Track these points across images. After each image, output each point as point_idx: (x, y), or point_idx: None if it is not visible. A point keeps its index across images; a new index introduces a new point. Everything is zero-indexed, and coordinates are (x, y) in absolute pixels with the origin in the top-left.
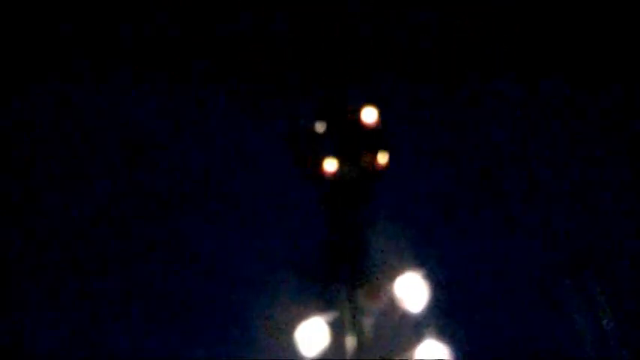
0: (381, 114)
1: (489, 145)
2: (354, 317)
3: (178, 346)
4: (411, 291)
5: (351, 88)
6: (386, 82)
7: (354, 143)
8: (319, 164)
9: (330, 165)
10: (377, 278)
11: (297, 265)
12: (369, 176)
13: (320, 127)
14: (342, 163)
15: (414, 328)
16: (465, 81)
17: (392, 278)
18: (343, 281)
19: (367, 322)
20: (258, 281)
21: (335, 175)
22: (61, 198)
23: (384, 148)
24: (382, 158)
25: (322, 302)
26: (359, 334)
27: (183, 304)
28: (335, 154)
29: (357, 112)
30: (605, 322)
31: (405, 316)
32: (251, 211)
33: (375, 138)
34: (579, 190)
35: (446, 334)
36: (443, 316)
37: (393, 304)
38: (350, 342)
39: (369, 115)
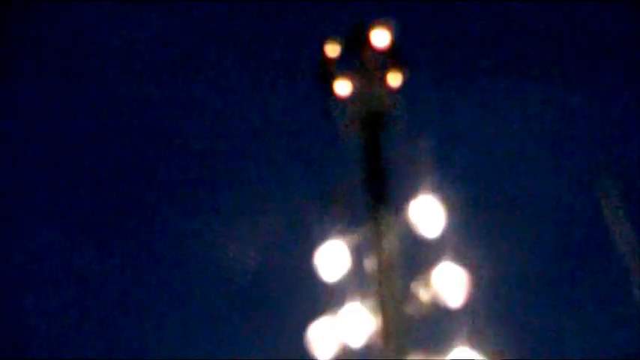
0: (395, 31)
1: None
2: (376, 240)
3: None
4: (429, 214)
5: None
6: None
7: (368, 65)
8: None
9: (343, 87)
10: (397, 202)
11: (320, 187)
12: (386, 97)
13: (333, 50)
14: (356, 85)
15: (432, 252)
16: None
17: (412, 200)
18: (365, 203)
19: (388, 245)
20: (281, 202)
21: (350, 97)
22: None
23: (399, 68)
24: (397, 78)
25: (343, 225)
26: (380, 256)
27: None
28: (350, 76)
29: (370, 31)
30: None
31: (424, 240)
32: (273, 135)
33: (389, 58)
34: None
35: (465, 258)
36: (462, 240)
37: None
38: (371, 264)
39: (382, 36)
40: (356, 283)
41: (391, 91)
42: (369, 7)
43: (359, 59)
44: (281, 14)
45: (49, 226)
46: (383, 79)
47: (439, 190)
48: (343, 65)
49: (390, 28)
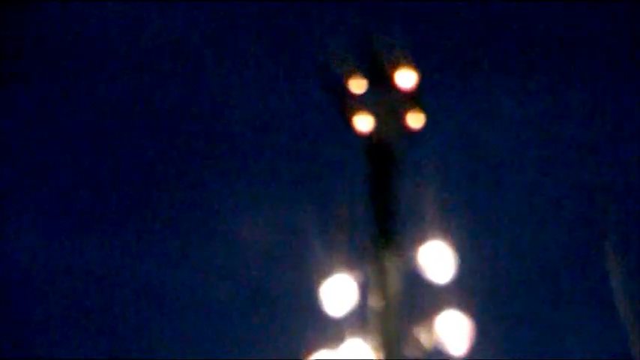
0: (419, 73)
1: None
2: (380, 278)
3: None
4: (438, 260)
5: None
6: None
7: (391, 103)
8: (354, 122)
9: (364, 122)
10: (404, 242)
11: (328, 216)
12: (405, 137)
13: (358, 86)
14: (378, 123)
15: (437, 297)
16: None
17: (420, 244)
18: (373, 240)
19: (393, 285)
20: (287, 232)
21: (370, 134)
22: None
23: (421, 110)
24: (418, 120)
25: (350, 259)
26: (384, 295)
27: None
28: (371, 113)
29: (395, 71)
30: None
31: (430, 284)
32: (287, 162)
33: (412, 99)
34: None
35: (470, 307)
36: (468, 289)
37: (419, 271)
38: (374, 302)
39: (408, 77)
40: (359, 319)
41: (410, 132)
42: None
43: (381, 97)
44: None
45: (49, 224)
46: (403, 119)
47: (450, 235)
48: (364, 100)
49: (415, 69)
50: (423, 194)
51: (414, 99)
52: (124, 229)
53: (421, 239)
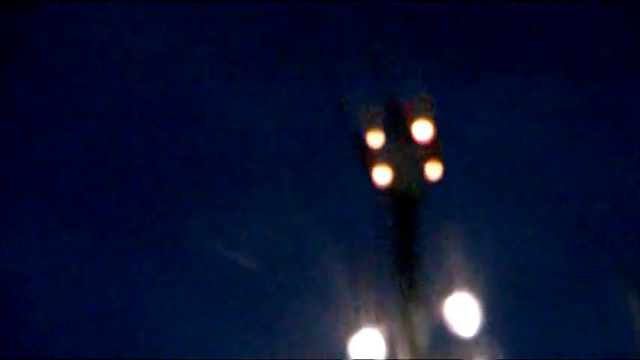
0: (436, 125)
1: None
2: (407, 331)
3: None
4: (463, 312)
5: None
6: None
7: (408, 155)
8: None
9: (382, 175)
10: (430, 295)
11: (354, 270)
12: (423, 189)
13: (376, 139)
14: (396, 175)
15: (465, 351)
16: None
17: (444, 296)
18: (399, 293)
19: (420, 338)
20: (313, 285)
21: (389, 186)
22: None
23: (438, 161)
24: (436, 171)
25: (378, 313)
26: (412, 349)
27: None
28: (389, 166)
29: (413, 123)
30: None
31: (457, 337)
32: (312, 214)
33: (429, 151)
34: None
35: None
36: (495, 340)
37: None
38: (403, 356)
39: (425, 129)
40: None
41: (429, 183)
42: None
43: (398, 148)
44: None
45: (49, 228)
46: (422, 170)
47: (475, 287)
48: (382, 153)
49: (432, 121)
50: (447, 245)
51: (432, 150)
52: (122, 231)
53: (446, 291)
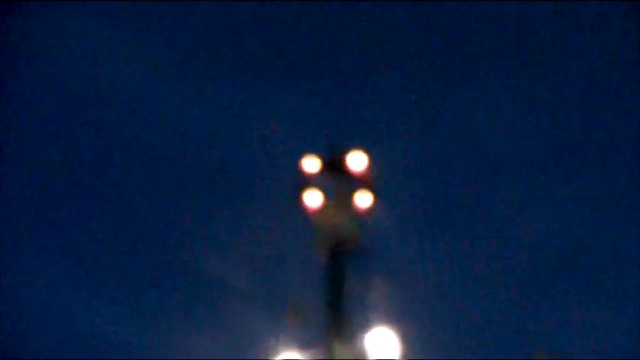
0: (371, 157)
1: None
2: None
3: None
4: (384, 346)
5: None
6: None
7: (342, 185)
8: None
9: (313, 199)
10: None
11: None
12: (356, 219)
13: (311, 165)
14: (328, 204)
15: None
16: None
17: (367, 330)
18: (323, 325)
19: None
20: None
21: (320, 213)
22: None
23: (372, 192)
24: (369, 201)
25: (301, 341)
26: None
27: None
28: (323, 195)
29: (347, 154)
30: None
31: None
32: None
33: (363, 182)
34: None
35: None
36: None
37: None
38: None
39: (359, 160)
40: None
41: (360, 214)
42: None
43: (333, 178)
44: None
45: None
46: (352, 201)
47: (396, 321)
48: (316, 181)
49: (367, 152)
50: (372, 280)
51: (365, 181)
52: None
53: (369, 325)
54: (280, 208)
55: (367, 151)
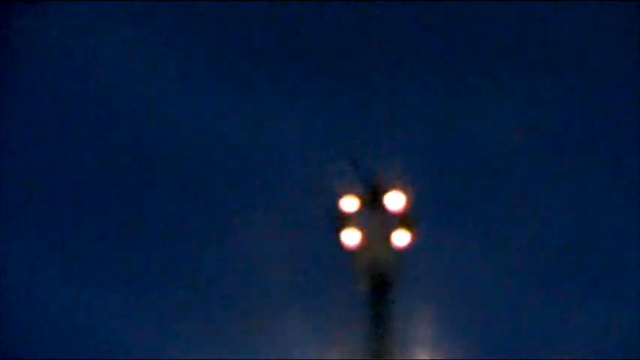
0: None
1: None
2: None
3: None
4: None
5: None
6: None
7: (379, 223)
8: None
9: (351, 237)
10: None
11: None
12: (394, 256)
13: (350, 205)
14: (366, 241)
15: None
16: None
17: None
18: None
19: None
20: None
21: (358, 249)
22: None
23: (410, 230)
24: (406, 239)
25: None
26: None
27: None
28: (361, 230)
29: (385, 192)
30: None
31: None
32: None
33: (401, 220)
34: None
35: None
36: None
37: None
38: None
39: (397, 199)
40: None
41: (398, 251)
42: None
43: (371, 216)
44: None
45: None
46: (390, 239)
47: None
48: (355, 219)
49: (406, 191)
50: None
51: (403, 219)
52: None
53: (412, 356)
54: (317, 243)
55: (404, 188)
